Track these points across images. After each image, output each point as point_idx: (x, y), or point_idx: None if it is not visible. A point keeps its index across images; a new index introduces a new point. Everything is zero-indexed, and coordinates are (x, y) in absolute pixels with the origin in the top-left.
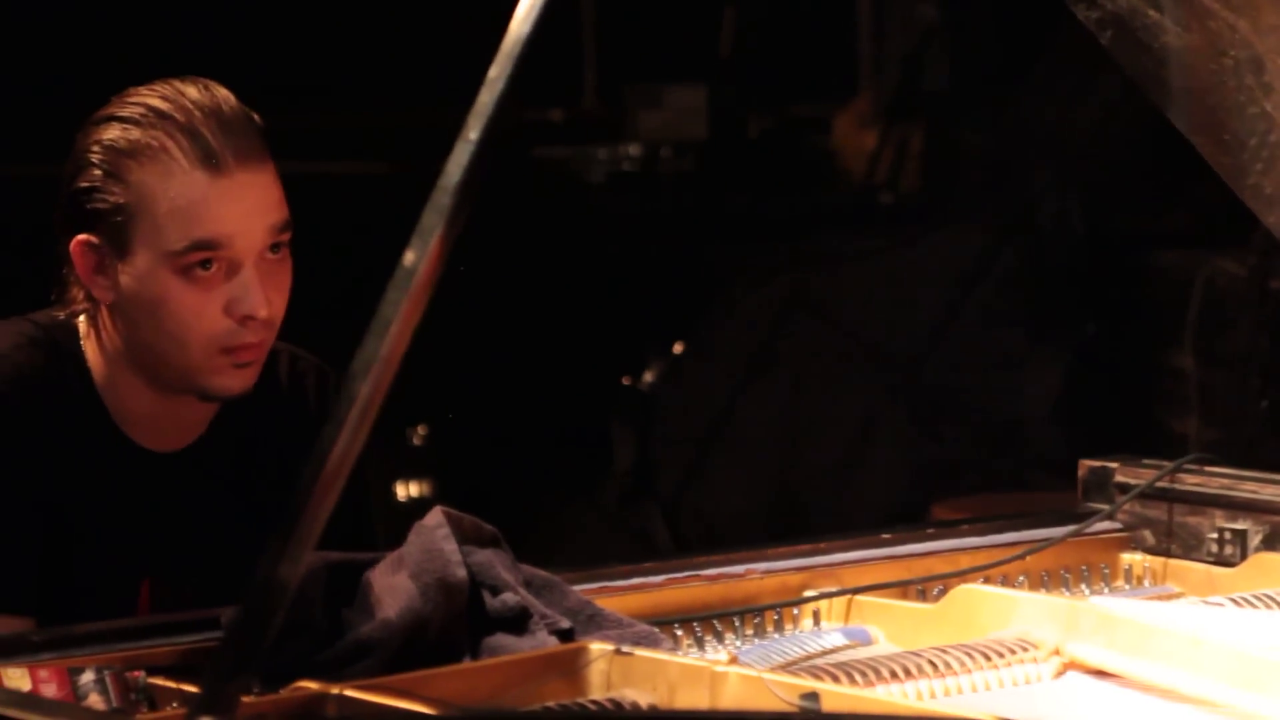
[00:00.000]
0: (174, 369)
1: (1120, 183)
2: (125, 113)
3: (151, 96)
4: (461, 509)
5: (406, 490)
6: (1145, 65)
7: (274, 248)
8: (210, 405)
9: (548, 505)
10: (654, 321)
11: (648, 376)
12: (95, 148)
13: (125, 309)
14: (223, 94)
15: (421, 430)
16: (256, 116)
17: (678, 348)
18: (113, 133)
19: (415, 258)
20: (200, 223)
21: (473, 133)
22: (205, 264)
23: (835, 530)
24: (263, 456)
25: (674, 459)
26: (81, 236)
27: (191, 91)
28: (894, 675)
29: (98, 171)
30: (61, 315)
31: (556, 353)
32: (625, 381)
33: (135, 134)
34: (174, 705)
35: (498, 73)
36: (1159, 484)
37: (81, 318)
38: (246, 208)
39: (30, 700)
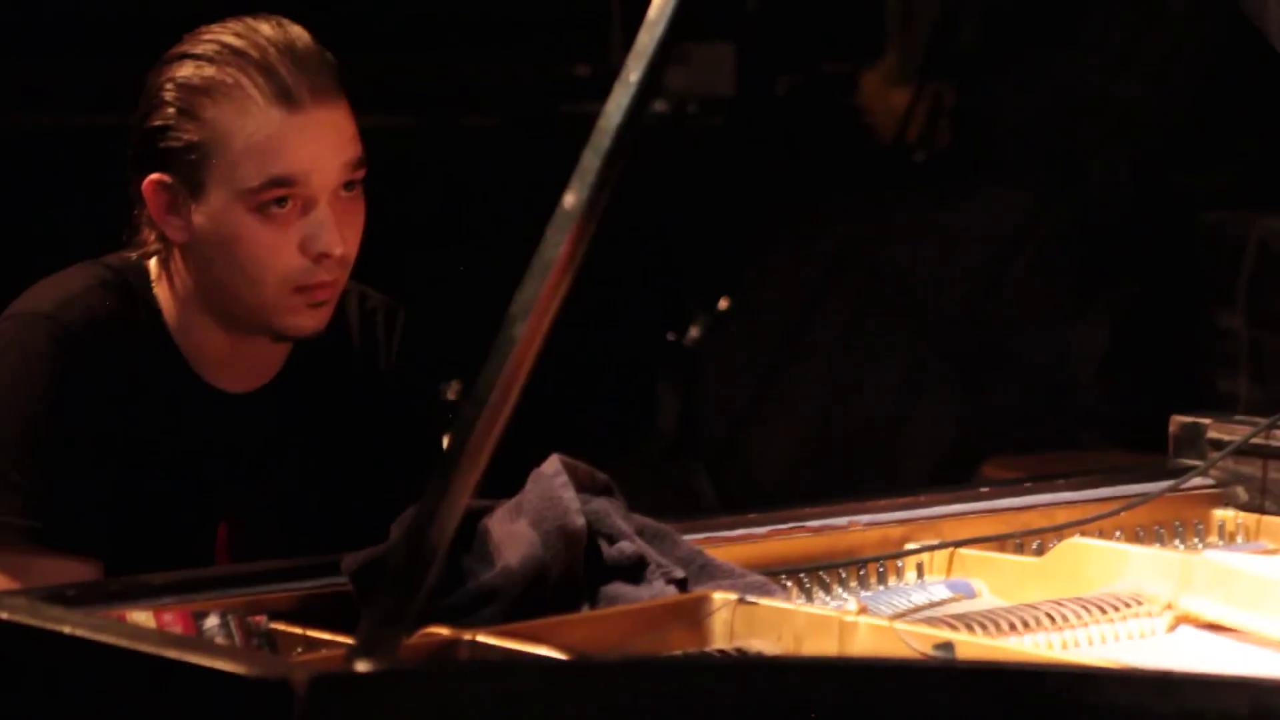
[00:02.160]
0: (247, 308)
1: (1171, 141)
2: (199, 50)
3: (225, 34)
4: (502, 464)
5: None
6: (1274, 14)
7: (348, 185)
8: (282, 346)
9: (591, 461)
10: (698, 277)
11: (692, 332)
12: (169, 85)
13: (198, 248)
14: (296, 31)
15: (457, 386)
16: (329, 54)
17: (723, 303)
18: (186, 70)
19: (575, 199)
20: (276, 159)
21: (633, 75)
22: (280, 201)
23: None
24: (335, 396)
25: (718, 415)
26: (154, 176)
27: (265, 29)
28: (1012, 627)
29: (171, 109)
30: (133, 257)
31: (599, 309)
32: (669, 337)
33: (210, 71)
34: (299, 650)
35: (656, 14)
36: (1253, 440)
37: (153, 259)
38: (322, 144)
39: (207, 645)
